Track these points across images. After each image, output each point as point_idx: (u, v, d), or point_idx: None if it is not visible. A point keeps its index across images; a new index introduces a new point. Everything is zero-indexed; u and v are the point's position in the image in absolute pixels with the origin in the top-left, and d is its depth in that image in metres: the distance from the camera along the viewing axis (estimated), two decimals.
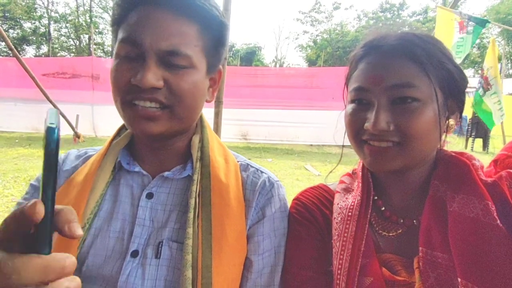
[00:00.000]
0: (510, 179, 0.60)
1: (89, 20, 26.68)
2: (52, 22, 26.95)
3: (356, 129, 0.66)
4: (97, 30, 25.98)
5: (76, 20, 27.12)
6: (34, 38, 26.12)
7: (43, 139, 0.33)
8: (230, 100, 7.13)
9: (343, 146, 0.75)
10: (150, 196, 0.69)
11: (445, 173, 0.65)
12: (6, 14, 23.94)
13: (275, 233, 0.71)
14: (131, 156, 0.74)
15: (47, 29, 26.66)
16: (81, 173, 0.70)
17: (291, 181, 5.47)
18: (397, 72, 0.61)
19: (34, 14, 25.62)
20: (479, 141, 10.24)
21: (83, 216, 0.64)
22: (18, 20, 24.92)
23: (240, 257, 0.67)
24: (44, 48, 27.00)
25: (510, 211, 0.56)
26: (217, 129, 2.55)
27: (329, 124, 7.07)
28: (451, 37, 4.17)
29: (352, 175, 0.80)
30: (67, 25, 27.22)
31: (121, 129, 0.78)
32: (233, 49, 33.81)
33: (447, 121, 0.66)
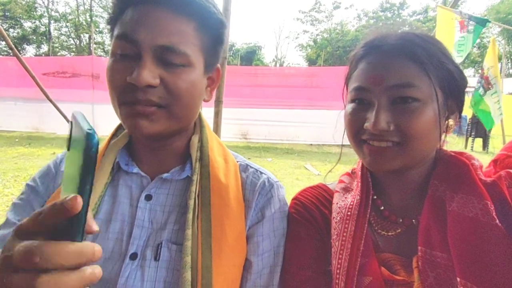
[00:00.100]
0: (509, 179, 0.60)
1: (89, 19, 26.66)
2: (52, 21, 26.95)
3: (356, 128, 0.66)
4: (97, 30, 25.92)
5: (77, 19, 27.11)
6: (34, 37, 26.11)
7: (68, 139, 0.40)
8: (230, 99, 7.13)
9: (342, 145, 0.75)
10: (148, 197, 0.68)
11: (444, 172, 0.65)
12: (6, 13, 23.93)
13: (275, 234, 0.70)
14: (130, 156, 0.73)
15: (47, 28, 26.65)
16: None
17: (291, 181, 5.47)
18: (398, 72, 0.61)
19: (34, 13, 25.61)
20: (479, 141, 10.24)
21: None
22: (18, 19, 24.91)
23: (240, 258, 0.66)
24: (44, 48, 26.99)
25: (509, 211, 0.56)
26: (217, 128, 2.55)
27: (329, 123, 7.06)
28: (452, 36, 4.17)
29: (351, 174, 0.80)
30: (67, 24, 27.22)
31: (118, 128, 0.77)
32: (233, 48, 33.80)
33: (446, 121, 0.66)
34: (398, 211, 0.69)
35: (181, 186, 0.70)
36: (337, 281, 0.63)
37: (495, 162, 0.69)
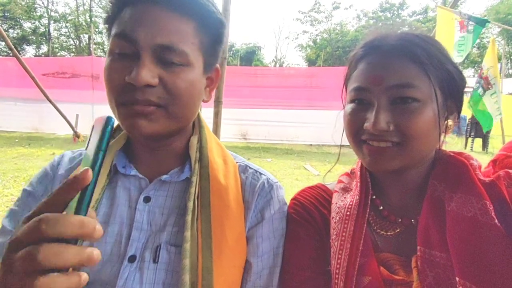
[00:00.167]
0: (508, 179, 0.60)
1: (89, 20, 26.66)
2: (52, 22, 26.96)
3: (355, 129, 0.66)
4: (97, 30, 25.90)
5: (76, 19, 27.11)
6: (34, 38, 26.11)
7: (92, 132, 0.43)
8: (230, 100, 7.12)
9: (341, 145, 0.75)
10: (147, 199, 0.68)
11: (443, 172, 0.65)
12: (6, 14, 23.93)
13: (274, 235, 0.70)
14: (128, 157, 0.72)
15: (47, 29, 26.66)
16: None
17: (291, 181, 5.47)
18: (397, 72, 0.61)
19: (34, 13, 25.62)
20: (478, 141, 10.25)
21: None
22: (18, 19, 24.92)
23: (240, 259, 0.66)
24: (44, 48, 26.99)
25: (508, 211, 0.56)
26: (216, 128, 2.55)
27: (328, 124, 7.04)
28: (452, 36, 4.18)
29: (350, 174, 0.80)
30: (67, 24, 27.22)
31: (116, 130, 0.75)
32: (233, 49, 33.79)
33: (446, 122, 0.66)
34: (397, 211, 0.69)
35: (180, 188, 0.70)
36: (336, 281, 0.63)
37: (494, 162, 0.69)
